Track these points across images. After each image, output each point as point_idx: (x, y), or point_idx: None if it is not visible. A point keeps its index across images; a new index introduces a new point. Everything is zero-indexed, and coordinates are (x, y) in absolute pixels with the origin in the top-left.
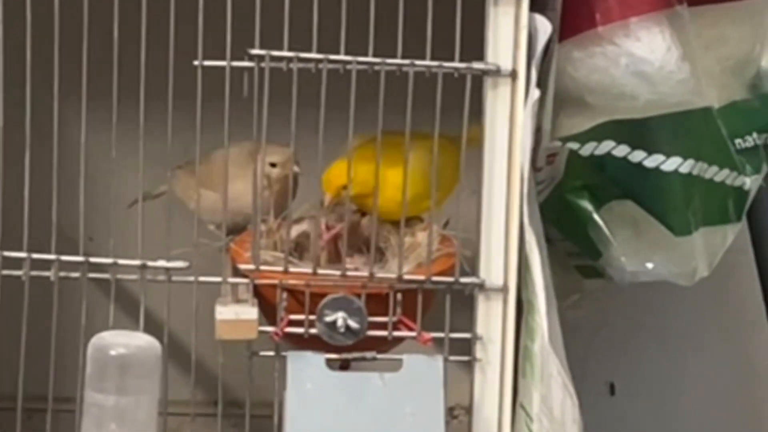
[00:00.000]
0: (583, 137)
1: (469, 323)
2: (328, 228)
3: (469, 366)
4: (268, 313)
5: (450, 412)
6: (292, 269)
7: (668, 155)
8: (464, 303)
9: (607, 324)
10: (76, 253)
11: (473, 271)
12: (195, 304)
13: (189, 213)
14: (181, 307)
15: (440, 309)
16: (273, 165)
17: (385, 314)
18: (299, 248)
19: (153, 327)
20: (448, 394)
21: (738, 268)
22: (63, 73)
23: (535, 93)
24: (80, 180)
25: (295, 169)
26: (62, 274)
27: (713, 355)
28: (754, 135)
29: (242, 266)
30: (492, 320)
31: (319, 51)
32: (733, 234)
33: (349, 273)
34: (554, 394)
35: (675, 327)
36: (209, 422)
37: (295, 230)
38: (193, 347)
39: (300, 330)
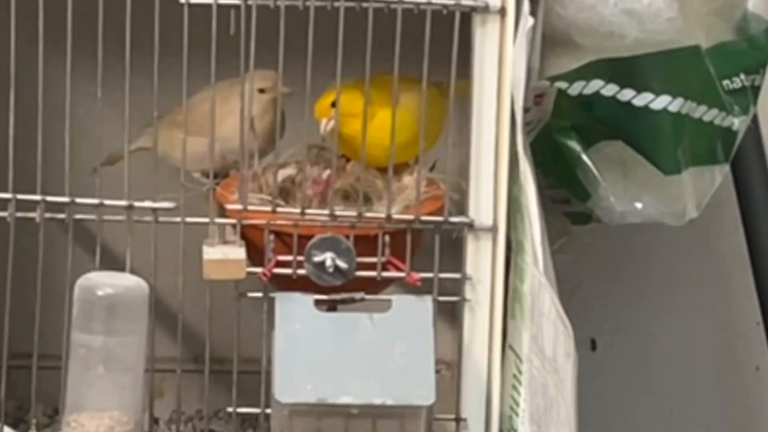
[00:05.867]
0: (571, 76)
1: (457, 268)
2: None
3: (451, 321)
4: (255, 258)
5: None
6: (279, 210)
7: (657, 94)
8: (452, 249)
9: (586, 280)
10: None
11: (461, 213)
12: (182, 244)
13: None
14: (166, 254)
15: (429, 252)
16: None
17: (374, 256)
18: (284, 193)
19: (137, 273)
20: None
21: (718, 221)
22: (47, 13)
23: (530, 20)
24: (65, 122)
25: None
26: (48, 215)
27: (694, 310)
28: (742, 76)
29: (229, 206)
30: (481, 260)
31: None
32: (721, 175)
33: (337, 213)
34: (546, 333)
35: (655, 282)
36: (190, 378)
37: (281, 174)
38: (180, 289)
39: (288, 271)
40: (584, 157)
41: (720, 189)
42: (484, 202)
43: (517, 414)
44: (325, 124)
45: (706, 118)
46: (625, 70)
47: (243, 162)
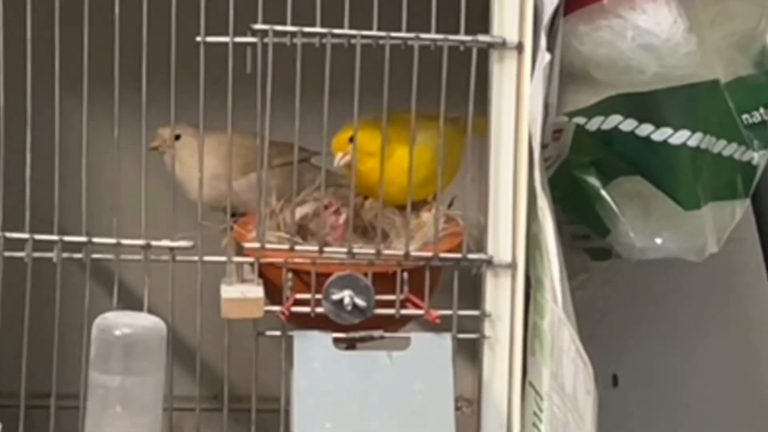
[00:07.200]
0: (589, 112)
1: (476, 305)
2: (328, 207)
3: (471, 358)
4: (273, 296)
5: None
6: (297, 248)
7: (676, 129)
8: (471, 286)
9: (607, 315)
10: (78, 235)
11: (480, 249)
12: (200, 284)
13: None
14: (183, 292)
15: (447, 289)
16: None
17: (392, 293)
18: (302, 230)
19: (155, 312)
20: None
21: (740, 257)
22: (63, 52)
23: (546, 56)
24: (82, 161)
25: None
26: (65, 255)
27: (715, 345)
28: (761, 110)
29: (248, 245)
30: (500, 297)
31: (322, 25)
32: (742, 210)
33: (355, 251)
34: (566, 370)
35: (675, 318)
36: (209, 416)
37: (299, 212)
38: (198, 328)
39: (306, 309)
40: (603, 192)
41: (740, 223)
42: (503, 238)
43: None
44: (340, 158)
45: (726, 152)
46: (643, 104)
47: (260, 200)
